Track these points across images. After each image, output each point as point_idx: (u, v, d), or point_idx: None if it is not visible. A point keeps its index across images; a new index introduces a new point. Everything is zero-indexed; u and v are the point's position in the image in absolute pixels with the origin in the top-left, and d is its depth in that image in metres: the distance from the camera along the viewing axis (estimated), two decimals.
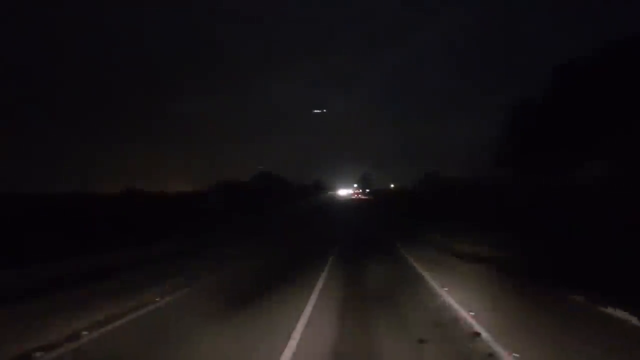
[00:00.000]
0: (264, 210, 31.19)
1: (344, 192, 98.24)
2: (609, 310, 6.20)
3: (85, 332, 5.53)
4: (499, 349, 4.71)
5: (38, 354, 4.72)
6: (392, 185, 77.91)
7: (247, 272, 10.82)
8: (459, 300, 7.09)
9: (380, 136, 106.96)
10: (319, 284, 8.59)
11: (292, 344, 4.94)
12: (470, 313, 6.31)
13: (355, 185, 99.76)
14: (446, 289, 8.01)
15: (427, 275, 9.45)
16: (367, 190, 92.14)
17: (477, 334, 5.30)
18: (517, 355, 4.50)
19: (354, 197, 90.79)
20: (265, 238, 20.42)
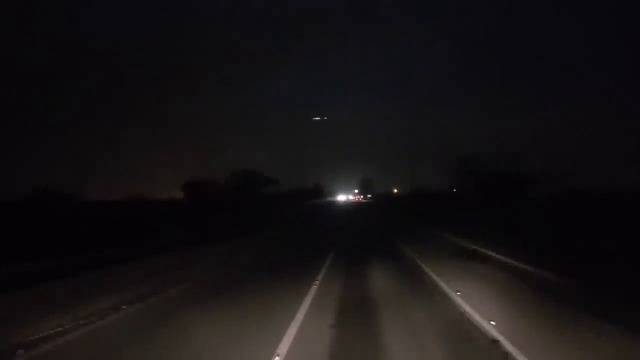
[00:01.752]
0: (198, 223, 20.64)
1: (342, 197, 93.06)
2: None
3: None
4: None
5: None
6: (395, 190, 73.28)
7: None
8: None
9: (380, 141, 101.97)
10: None
11: None
12: None
13: (356, 191, 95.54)
14: None
15: None
16: (369, 196, 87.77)
17: None
18: None
19: (354, 200, 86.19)
20: None
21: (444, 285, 7.35)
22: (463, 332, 4.86)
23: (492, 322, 5.08)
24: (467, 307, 5.83)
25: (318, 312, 5.75)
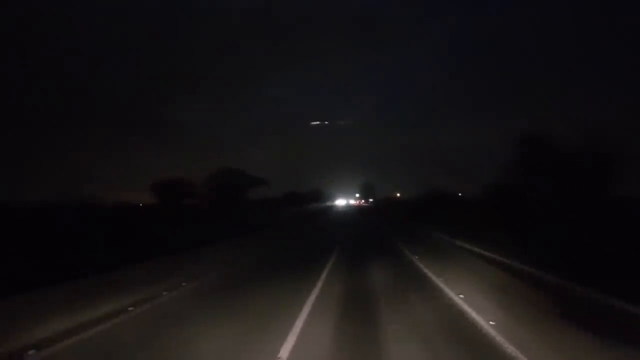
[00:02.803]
0: None
1: (343, 201, 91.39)
2: None
3: None
4: None
5: None
6: (397, 194, 72.16)
7: None
8: None
9: (380, 145, 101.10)
10: None
11: None
12: None
13: (358, 195, 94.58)
14: None
15: None
16: (370, 200, 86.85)
17: None
18: None
19: (356, 205, 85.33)
20: None
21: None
22: None
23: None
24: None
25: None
